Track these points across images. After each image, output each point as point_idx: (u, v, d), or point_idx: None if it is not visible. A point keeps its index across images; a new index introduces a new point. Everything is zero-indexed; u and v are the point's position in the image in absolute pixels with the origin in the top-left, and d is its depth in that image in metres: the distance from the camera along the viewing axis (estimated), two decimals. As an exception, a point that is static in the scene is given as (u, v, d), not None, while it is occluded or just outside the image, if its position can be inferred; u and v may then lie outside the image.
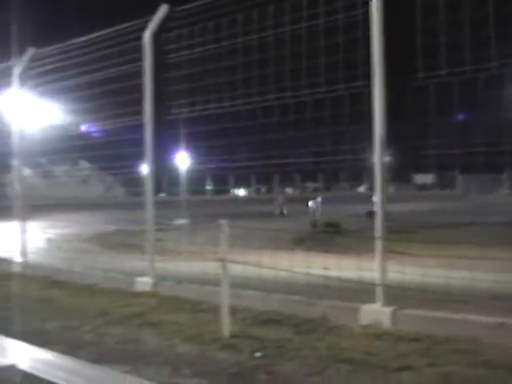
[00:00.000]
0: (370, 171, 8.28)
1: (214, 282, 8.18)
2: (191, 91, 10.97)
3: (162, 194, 39.49)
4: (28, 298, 9.41)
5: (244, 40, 10.03)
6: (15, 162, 14.43)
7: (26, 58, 13.55)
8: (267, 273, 8.86)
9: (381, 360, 6.07)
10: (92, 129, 12.75)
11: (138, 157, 11.47)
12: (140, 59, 10.96)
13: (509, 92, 8.28)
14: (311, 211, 29.33)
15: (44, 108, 14.34)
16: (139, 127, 11.02)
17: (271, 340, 6.94)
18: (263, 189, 63.81)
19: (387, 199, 8.16)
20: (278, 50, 9.71)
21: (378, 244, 7.80)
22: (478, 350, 6.20)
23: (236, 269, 8.14)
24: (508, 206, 34.57)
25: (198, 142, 12.89)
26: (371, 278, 8.00)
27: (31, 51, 13.52)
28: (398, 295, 7.68)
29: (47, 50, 13.28)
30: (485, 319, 6.88)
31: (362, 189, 54.45)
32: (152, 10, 10.81)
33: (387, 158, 8.10)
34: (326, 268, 8.74)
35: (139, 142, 11.00)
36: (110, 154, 13.21)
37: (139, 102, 10.99)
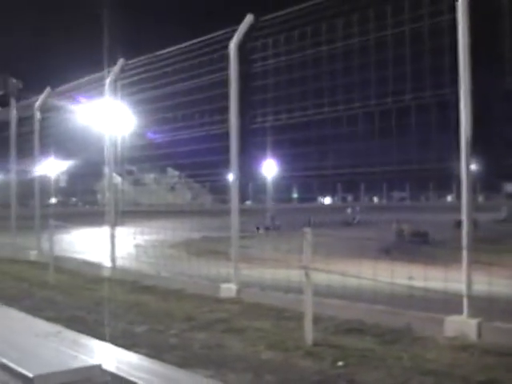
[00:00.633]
0: (457, 180, 8.11)
1: (298, 290, 8.18)
2: (276, 100, 11.03)
3: (248, 202, 39.80)
4: (117, 301, 9.66)
5: (329, 48, 10.02)
6: (107, 170, 14.85)
7: (116, 68, 13.99)
8: (351, 281, 8.79)
9: (465, 373, 5.92)
10: (179, 137, 12.97)
11: (224, 165, 11.61)
12: (225, 69, 11.12)
13: None
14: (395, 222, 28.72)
15: (133, 117, 14.72)
16: (225, 135, 11.17)
17: (354, 349, 6.89)
18: (349, 197, 63.26)
19: (475, 208, 7.96)
20: (363, 58, 9.65)
21: (465, 254, 7.63)
22: None
23: (319, 277, 8.12)
24: None
25: (284, 150, 12.93)
26: (457, 288, 7.83)
27: (121, 62, 13.96)
28: (484, 307, 7.48)
29: (136, 60, 13.67)
30: None
31: (449, 198, 53.18)
32: (236, 20, 10.97)
33: (475, 167, 7.91)
34: (410, 278, 8.60)
35: (225, 150, 11.14)
36: (196, 161, 13.43)
37: (225, 110, 11.15)
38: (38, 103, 17.99)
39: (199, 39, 11.86)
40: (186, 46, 12.26)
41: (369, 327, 7.79)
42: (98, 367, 3.90)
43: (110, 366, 4.16)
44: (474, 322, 7.34)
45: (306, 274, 7.39)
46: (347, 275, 8.77)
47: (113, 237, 14.15)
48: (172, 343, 7.49)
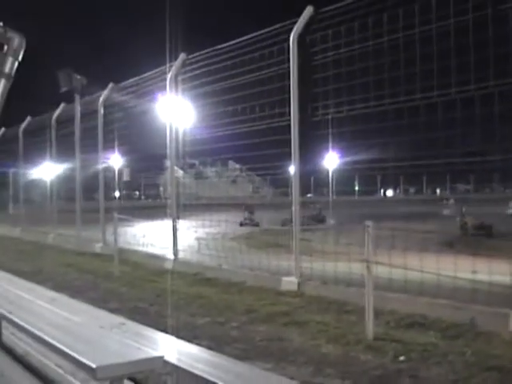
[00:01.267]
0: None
1: (359, 284, 8.13)
2: (337, 92, 10.97)
3: (310, 195, 39.70)
4: (178, 293, 9.78)
5: (389, 39, 9.90)
6: (168, 164, 15.02)
7: (177, 63, 14.13)
8: (413, 275, 8.69)
9: (532, 369, 5.80)
10: (240, 130, 13.03)
11: (286, 158, 11.61)
12: (285, 61, 11.11)
13: None
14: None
15: (195, 110, 14.85)
16: (286, 128, 11.16)
17: (416, 344, 6.81)
18: (411, 189, 62.46)
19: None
20: (425, 48, 9.50)
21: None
22: None
23: (381, 270, 8.06)
24: None
25: (345, 143, 12.84)
26: (523, 283, 7.65)
27: (182, 56, 14.09)
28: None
29: (197, 54, 13.79)
30: None
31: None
32: (295, 13, 10.95)
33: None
34: (474, 272, 8.44)
35: (286, 143, 11.13)
36: (258, 155, 13.46)
37: (285, 103, 11.14)
38: (101, 99, 18.34)
39: (258, 32, 11.89)
40: (245, 40, 12.31)
41: (431, 322, 7.69)
42: (161, 359, 3.95)
43: (172, 357, 4.21)
44: (540, 317, 7.16)
45: (368, 268, 7.34)
46: (409, 269, 8.68)
47: (175, 230, 14.32)
48: (233, 336, 7.55)
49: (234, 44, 12.58)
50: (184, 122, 15.01)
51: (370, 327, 7.20)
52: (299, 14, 10.88)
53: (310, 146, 12.83)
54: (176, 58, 13.99)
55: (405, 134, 10.56)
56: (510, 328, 7.25)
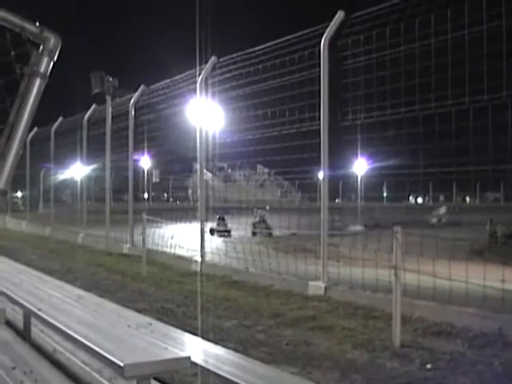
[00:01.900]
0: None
1: (387, 290, 8.10)
2: (367, 97, 10.94)
3: (338, 200, 39.55)
4: (206, 295, 9.80)
5: (420, 45, 9.85)
6: (198, 166, 15.09)
7: (208, 66, 14.20)
8: (441, 283, 8.63)
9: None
10: (269, 134, 13.04)
11: (314, 162, 11.60)
12: (315, 66, 11.11)
13: None
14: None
15: (224, 114, 14.90)
16: (315, 133, 11.15)
17: (443, 352, 6.76)
18: (441, 197, 61.90)
19: None
20: (457, 54, 9.43)
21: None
22: None
23: (409, 277, 8.01)
24: None
25: (374, 148, 12.79)
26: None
27: (213, 60, 14.15)
28: None
29: (227, 58, 13.85)
30: None
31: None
32: (326, 18, 10.95)
33: None
34: (503, 281, 8.35)
35: (315, 148, 11.12)
36: (286, 159, 13.46)
37: (315, 108, 11.14)
38: (132, 101, 18.51)
39: (290, 36, 11.92)
40: (276, 44, 12.35)
41: (459, 330, 7.63)
42: (187, 359, 3.96)
43: (199, 358, 4.23)
44: None
45: (395, 274, 7.30)
46: (437, 276, 8.61)
47: (203, 232, 14.38)
48: (259, 339, 7.56)
49: (264, 48, 12.62)
50: (213, 124, 15.07)
51: (397, 334, 7.16)
52: (331, 19, 10.88)
53: (339, 151, 12.80)
54: (207, 62, 14.06)
55: (435, 140, 10.49)
56: (539, 338, 7.17)
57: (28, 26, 3.61)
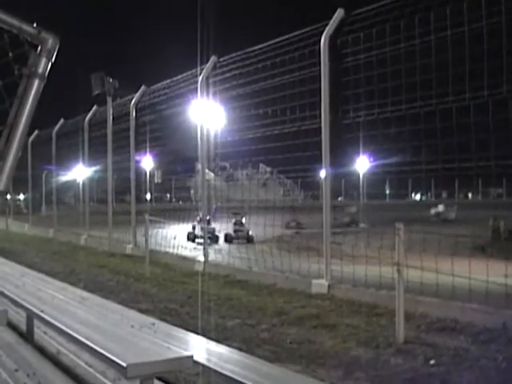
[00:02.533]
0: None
1: (390, 287, 8.09)
2: (368, 94, 10.92)
3: (340, 198, 39.58)
4: (209, 295, 9.81)
5: (421, 42, 9.83)
6: (200, 166, 15.09)
7: (208, 65, 14.19)
8: (444, 279, 8.62)
9: None
10: (271, 133, 13.03)
11: (316, 160, 11.58)
12: (316, 64, 11.10)
13: None
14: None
15: (225, 113, 14.90)
16: (317, 131, 11.14)
17: (447, 348, 6.76)
18: (444, 194, 61.90)
19: None
20: (458, 51, 9.40)
21: None
22: None
23: (412, 274, 8.00)
24: None
25: (375, 146, 12.77)
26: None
27: (213, 59, 14.15)
28: None
29: (227, 57, 13.85)
30: None
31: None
32: (326, 16, 10.94)
33: None
34: (507, 276, 8.33)
35: (317, 146, 11.11)
36: (288, 157, 13.44)
37: (316, 106, 11.12)
38: (133, 101, 18.51)
39: (290, 35, 11.91)
40: (276, 43, 12.35)
41: (462, 326, 7.62)
42: (190, 359, 3.95)
43: (202, 358, 4.23)
44: None
45: (398, 271, 7.29)
46: (440, 272, 8.61)
47: (205, 232, 14.38)
48: (263, 338, 7.55)
49: (264, 47, 12.62)
50: (215, 124, 15.07)
51: (401, 330, 7.15)
52: (331, 17, 10.87)
53: (341, 149, 12.78)
54: (207, 61, 14.06)
55: (437, 137, 10.47)
56: (543, 333, 7.15)
57: (26, 27, 3.60)
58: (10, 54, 3.72)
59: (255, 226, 18.27)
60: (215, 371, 4.08)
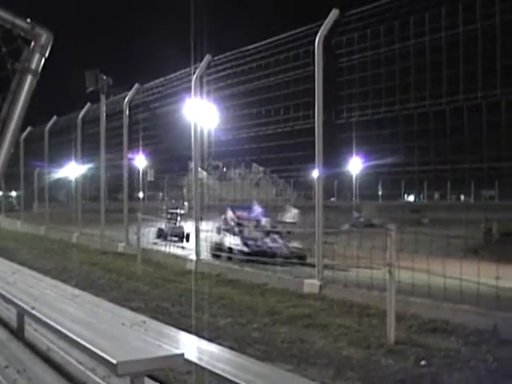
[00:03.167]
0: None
1: (382, 288, 8.10)
2: (362, 95, 10.93)
3: (333, 199, 39.57)
4: (201, 294, 9.80)
5: (415, 42, 9.85)
6: (193, 165, 15.05)
7: (202, 64, 14.18)
8: (435, 280, 8.64)
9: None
10: (264, 133, 13.02)
11: (309, 160, 11.58)
12: (310, 64, 11.10)
13: None
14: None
15: (219, 112, 14.88)
16: (310, 131, 11.14)
17: (438, 349, 6.77)
18: (436, 195, 61.95)
19: None
20: (452, 52, 9.42)
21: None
22: None
23: (404, 275, 8.01)
24: None
25: (369, 146, 12.78)
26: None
27: (207, 58, 14.13)
28: None
29: (222, 56, 13.84)
30: None
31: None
32: (320, 16, 10.94)
33: None
34: (498, 278, 8.34)
35: (310, 146, 11.11)
36: (281, 157, 13.45)
37: (310, 106, 11.12)
38: (126, 99, 18.46)
39: (284, 35, 11.91)
40: (270, 42, 12.34)
41: (454, 327, 7.64)
42: (181, 356, 3.95)
43: (193, 356, 4.23)
44: None
45: (390, 272, 7.29)
46: (432, 273, 8.62)
47: (197, 231, 14.36)
48: (254, 337, 7.55)
49: (259, 46, 12.61)
50: (208, 123, 15.05)
51: (392, 331, 7.16)
52: (325, 18, 10.88)
53: (334, 149, 12.79)
54: (201, 60, 14.04)
55: (430, 138, 10.50)
56: (533, 335, 7.17)
57: (19, 22, 3.59)
58: (4, 49, 3.70)
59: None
60: (206, 370, 4.08)
